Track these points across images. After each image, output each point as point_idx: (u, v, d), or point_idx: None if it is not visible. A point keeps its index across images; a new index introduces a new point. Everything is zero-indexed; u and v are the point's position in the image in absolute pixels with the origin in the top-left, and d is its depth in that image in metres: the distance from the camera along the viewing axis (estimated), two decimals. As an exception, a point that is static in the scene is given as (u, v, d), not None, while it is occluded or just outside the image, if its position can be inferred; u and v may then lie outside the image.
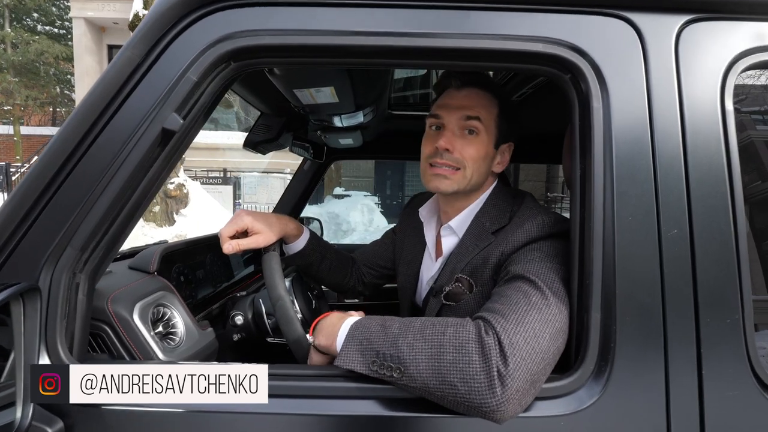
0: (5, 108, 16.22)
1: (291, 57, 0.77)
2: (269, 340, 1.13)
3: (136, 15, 7.25)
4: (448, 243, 1.05)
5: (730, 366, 0.71)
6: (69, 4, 14.47)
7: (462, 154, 0.97)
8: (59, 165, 0.71)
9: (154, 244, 1.37)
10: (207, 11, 0.73)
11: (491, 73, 1.56)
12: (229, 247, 0.98)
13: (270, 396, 0.71)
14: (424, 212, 1.16)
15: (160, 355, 0.87)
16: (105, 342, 0.84)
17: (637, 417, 0.70)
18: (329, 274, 1.28)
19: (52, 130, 16.08)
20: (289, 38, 0.73)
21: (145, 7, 7.30)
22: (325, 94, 1.21)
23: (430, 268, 1.12)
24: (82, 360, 0.75)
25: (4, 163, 11.36)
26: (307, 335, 0.93)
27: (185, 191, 8.97)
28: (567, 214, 0.93)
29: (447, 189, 0.98)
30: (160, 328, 0.94)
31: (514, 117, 1.05)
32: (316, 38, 0.73)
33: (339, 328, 0.80)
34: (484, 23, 0.73)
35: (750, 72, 0.76)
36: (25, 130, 16.30)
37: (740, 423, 0.71)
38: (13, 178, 11.47)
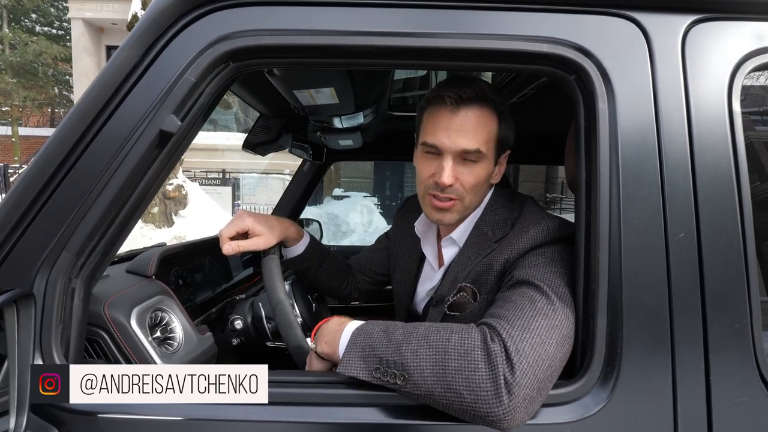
0: (3, 109, 16.20)
1: (291, 57, 0.75)
2: (269, 344, 1.12)
3: (135, 16, 7.25)
4: (449, 253, 1.03)
5: (738, 370, 0.70)
6: (67, 4, 14.44)
7: (463, 184, 0.92)
8: (55, 167, 0.70)
9: (152, 246, 1.35)
10: (205, 11, 0.72)
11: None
12: (229, 248, 0.97)
13: (270, 403, 0.70)
14: (420, 227, 1.11)
15: (158, 361, 0.86)
16: (102, 348, 0.83)
17: (645, 424, 0.69)
18: (327, 280, 1.27)
19: (50, 131, 16.02)
20: (288, 38, 0.72)
21: (144, 8, 7.30)
22: (325, 95, 1.20)
23: (431, 278, 1.10)
24: (78, 366, 0.74)
25: (2, 164, 11.34)
26: (308, 341, 0.91)
27: (184, 192, 8.96)
28: (566, 215, 0.92)
29: (450, 221, 0.96)
30: (158, 333, 0.93)
31: (512, 123, 0.99)
32: (316, 38, 0.72)
33: (341, 334, 0.79)
34: (488, 23, 0.72)
35: (758, 72, 0.75)
36: (23, 131, 16.28)
37: (749, 428, 0.70)
38: (11, 180, 11.44)
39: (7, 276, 0.69)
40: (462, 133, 0.89)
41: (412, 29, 0.72)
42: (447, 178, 0.89)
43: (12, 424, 0.60)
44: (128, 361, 0.83)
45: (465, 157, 0.90)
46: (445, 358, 0.67)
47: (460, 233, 1.00)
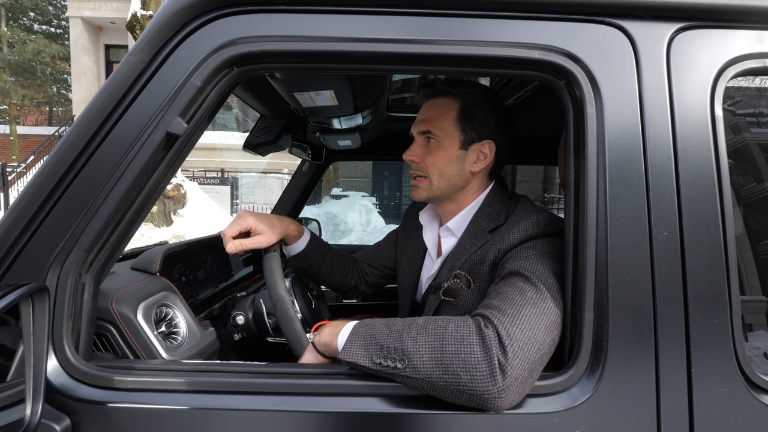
0: (1, 108, 16.15)
1: (292, 62, 0.78)
2: (270, 339, 1.15)
3: (134, 15, 7.22)
4: (448, 243, 1.09)
5: (718, 364, 0.73)
6: (66, 3, 14.41)
7: (425, 162, 1.05)
8: (66, 167, 0.73)
9: (155, 244, 1.38)
10: (210, 17, 0.75)
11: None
12: (232, 246, 1.00)
13: (271, 394, 0.73)
14: (424, 216, 1.20)
15: (164, 355, 0.89)
16: (109, 341, 0.86)
17: (629, 413, 0.72)
18: (330, 275, 1.31)
19: (48, 130, 16.01)
20: (290, 44, 0.75)
21: (143, 7, 7.28)
22: (325, 98, 1.23)
23: (430, 268, 1.15)
24: (88, 359, 0.77)
25: (0, 162, 11.32)
26: (308, 336, 0.94)
27: (183, 191, 8.97)
28: (563, 215, 0.95)
29: (419, 197, 1.08)
30: (163, 328, 0.96)
31: (485, 114, 1.04)
32: (316, 44, 0.75)
33: (341, 327, 0.83)
34: (482, 30, 0.75)
35: (739, 78, 0.78)
36: (21, 129, 16.21)
37: (727, 419, 0.73)
38: (9, 178, 11.43)
39: (20, 271, 0.72)
40: (421, 120, 1.07)
41: (409, 36, 0.74)
42: (407, 153, 1.07)
43: (28, 412, 0.63)
44: (135, 355, 0.86)
45: (425, 138, 1.05)
46: (443, 344, 0.71)
47: (457, 224, 1.07)
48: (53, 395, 0.71)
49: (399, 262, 1.31)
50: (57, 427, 0.68)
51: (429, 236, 1.18)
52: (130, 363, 0.82)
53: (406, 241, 1.29)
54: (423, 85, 1.09)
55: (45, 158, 0.73)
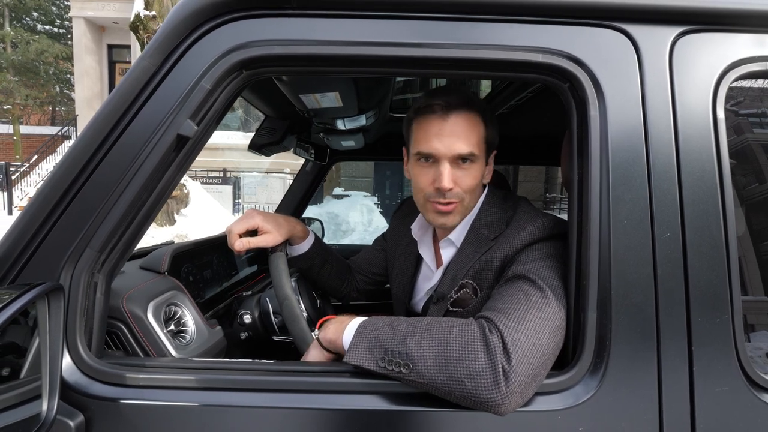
0: (5, 107, 16.20)
1: (300, 66, 0.79)
2: (276, 338, 1.16)
3: (137, 15, 7.24)
4: (448, 253, 1.07)
5: (719, 363, 0.74)
6: (69, 3, 14.46)
7: (462, 187, 0.96)
8: (79, 169, 0.75)
9: (162, 244, 1.40)
10: (220, 22, 0.76)
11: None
12: (240, 244, 1.01)
13: (278, 391, 0.74)
14: (416, 229, 1.16)
15: (173, 353, 0.90)
16: (120, 339, 0.87)
17: (631, 411, 0.73)
18: (328, 279, 1.31)
19: (51, 130, 16.07)
20: (298, 48, 0.76)
21: (146, 8, 7.30)
22: (330, 99, 1.24)
23: (429, 279, 1.13)
24: (100, 356, 0.78)
25: (3, 162, 11.36)
26: (313, 334, 0.96)
27: (185, 191, 9.00)
28: (564, 215, 0.97)
29: (453, 223, 1.00)
30: (172, 327, 0.98)
31: (496, 125, 1.03)
32: (323, 48, 0.76)
33: (346, 325, 0.84)
34: (487, 34, 0.76)
35: (741, 81, 0.79)
36: (24, 129, 16.27)
37: (729, 417, 0.74)
38: (13, 178, 11.48)
39: (35, 270, 0.74)
40: (455, 138, 0.93)
41: (415, 40, 0.75)
42: (447, 182, 0.93)
43: (44, 408, 0.65)
44: (145, 353, 0.88)
45: (460, 160, 0.95)
46: (447, 349, 0.71)
47: (458, 234, 1.04)
48: (67, 392, 0.73)
49: (390, 269, 1.29)
50: (71, 423, 0.70)
51: (425, 249, 1.14)
52: (140, 361, 0.84)
53: (396, 247, 1.27)
54: (448, 93, 0.94)
55: (56, 158, 0.75)
